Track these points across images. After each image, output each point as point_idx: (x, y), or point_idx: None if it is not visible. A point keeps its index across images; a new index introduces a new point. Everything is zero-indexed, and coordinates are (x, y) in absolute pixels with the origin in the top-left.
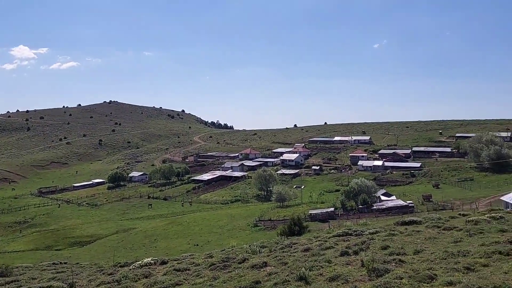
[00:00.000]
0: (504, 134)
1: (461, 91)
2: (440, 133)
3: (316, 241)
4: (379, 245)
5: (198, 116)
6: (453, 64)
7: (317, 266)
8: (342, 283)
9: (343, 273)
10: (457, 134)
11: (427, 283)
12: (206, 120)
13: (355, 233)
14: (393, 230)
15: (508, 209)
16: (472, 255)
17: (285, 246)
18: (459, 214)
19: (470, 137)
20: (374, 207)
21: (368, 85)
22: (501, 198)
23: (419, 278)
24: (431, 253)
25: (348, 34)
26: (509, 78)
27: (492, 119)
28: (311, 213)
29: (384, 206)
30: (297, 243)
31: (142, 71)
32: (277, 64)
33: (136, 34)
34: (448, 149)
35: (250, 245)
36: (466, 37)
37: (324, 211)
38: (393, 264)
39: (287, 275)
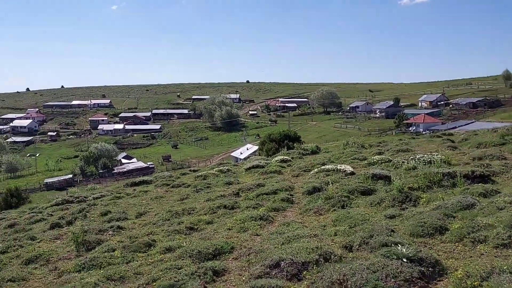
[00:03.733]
0: (233, 96)
1: (196, 56)
2: (178, 96)
3: (29, 213)
4: (99, 211)
5: None
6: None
7: (15, 245)
8: (41, 265)
9: (46, 251)
10: (194, 97)
11: (143, 252)
12: None
13: (77, 200)
14: (119, 193)
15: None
16: (197, 212)
17: None
18: (190, 170)
19: (205, 99)
20: (115, 171)
21: (104, 47)
22: (231, 154)
23: (135, 247)
24: (155, 215)
25: None
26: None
27: (224, 82)
28: (47, 182)
29: (125, 169)
30: (4, 218)
31: None
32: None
33: None
34: (186, 111)
35: None
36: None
37: (62, 178)
38: (110, 232)
39: None
